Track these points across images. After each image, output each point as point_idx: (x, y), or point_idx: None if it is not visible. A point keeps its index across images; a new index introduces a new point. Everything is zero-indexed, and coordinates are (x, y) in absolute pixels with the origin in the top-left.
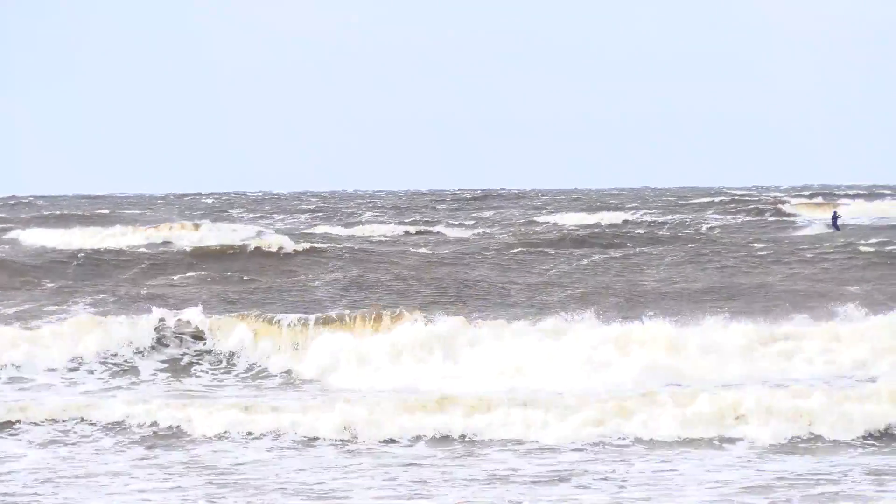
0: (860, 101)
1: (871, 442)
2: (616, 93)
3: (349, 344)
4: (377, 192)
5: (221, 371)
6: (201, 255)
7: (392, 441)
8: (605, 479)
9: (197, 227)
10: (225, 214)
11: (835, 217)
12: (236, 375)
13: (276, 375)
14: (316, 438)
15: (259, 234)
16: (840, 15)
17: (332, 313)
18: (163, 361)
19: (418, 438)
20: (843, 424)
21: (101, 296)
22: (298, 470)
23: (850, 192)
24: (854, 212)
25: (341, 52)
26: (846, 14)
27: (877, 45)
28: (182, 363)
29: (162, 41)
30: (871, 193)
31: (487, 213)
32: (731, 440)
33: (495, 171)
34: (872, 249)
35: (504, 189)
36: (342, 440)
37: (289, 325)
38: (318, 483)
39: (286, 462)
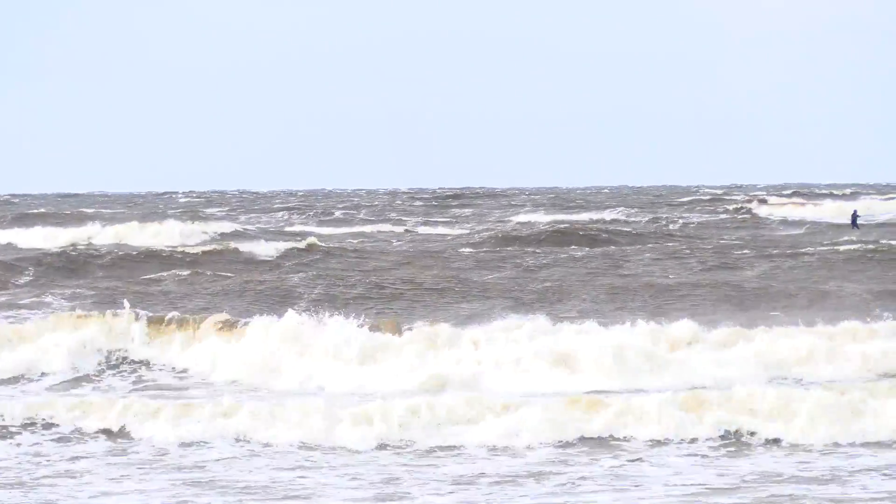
0: (843, 101)
1: (836, 443)
2: (597, 92)
3: (304, 345)
4: (357, 190)
5: (181, 371)
6: (179, 253)
7: (351, 441)
8: (571, 479)
9: (175, 224)
10: (203, 213)
11: (854, 216)
12: (194, 376)
13: (228, 376)
14: (276, 440)
15: (235, 231)
16: (832, 15)
17: (293, 314)
18: (128, 361)
19: (379, 439)
20: (805, 426)
21: (78, 290)
22: (262, 468)
23: (836, 192)
24: (829, 211)
25: (327, 51)
26: (836, 14)
27: (861, 44)
28: (148, 363)
29: (141, 40)
30: (855, 193)
31: (466, 211)
32: (696, 441)
33: (475, 170)
34: (852, 247)
35: (483, 187)
36: (303, 441)
37: (248, 327)
38: (286, 482)
39: (253, 461)
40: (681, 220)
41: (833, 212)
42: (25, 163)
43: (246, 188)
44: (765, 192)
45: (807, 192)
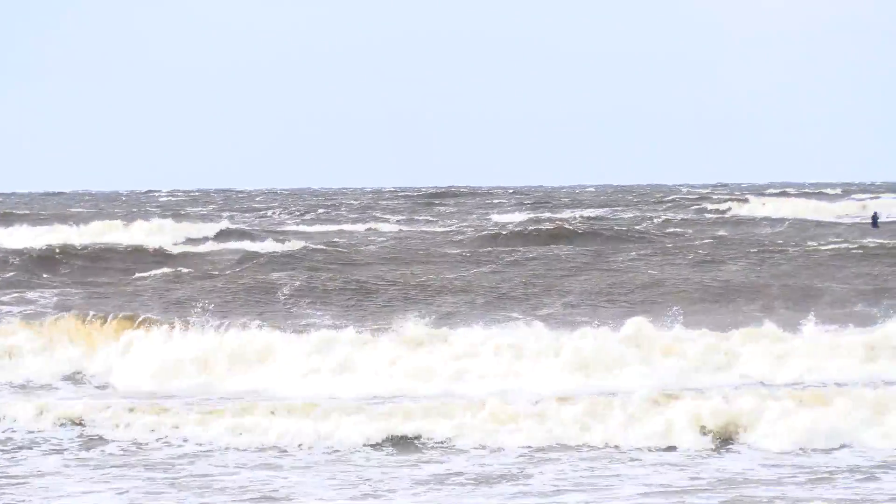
0: (842, 101)
1: (801, 446)
2: (596, 92)
3: (279, 347)
4: (343, 188)
5: (151, 373)
6: (162, 251)
7: (328, 441)
8: (545, 479)
9: (158, 222)
10: (186, 211)
11: (875, 217)
12: (165, 377)
13: (200, 376)
14: (251, 440)
15: (222, 230)
16: (832, 15)
17: (256, 321)
18: (96, 363)
19: (356, 438)
20: (774, 430)
21: (59, 288)
22: (239, 469)
23: (828, 191)
24: (813, 209)
25: (327, 51)
26: (836, 14)
27: (861, 44)
28: (116, 364)
29: (141, 40)
30: (845, 192)
31: (451, 209)
32: (671, 442)
33: (473, 170)
34: (830, 247)
35: (467, 186)
36: (280, 441)
37: (204, 329)
38: (263, 483)
39: (230, 461)
40: (664, 218)
41: (822, 211)
42: (25, 163)
43: (231, 187)
44: (749, 191)
45: (794, 192)
